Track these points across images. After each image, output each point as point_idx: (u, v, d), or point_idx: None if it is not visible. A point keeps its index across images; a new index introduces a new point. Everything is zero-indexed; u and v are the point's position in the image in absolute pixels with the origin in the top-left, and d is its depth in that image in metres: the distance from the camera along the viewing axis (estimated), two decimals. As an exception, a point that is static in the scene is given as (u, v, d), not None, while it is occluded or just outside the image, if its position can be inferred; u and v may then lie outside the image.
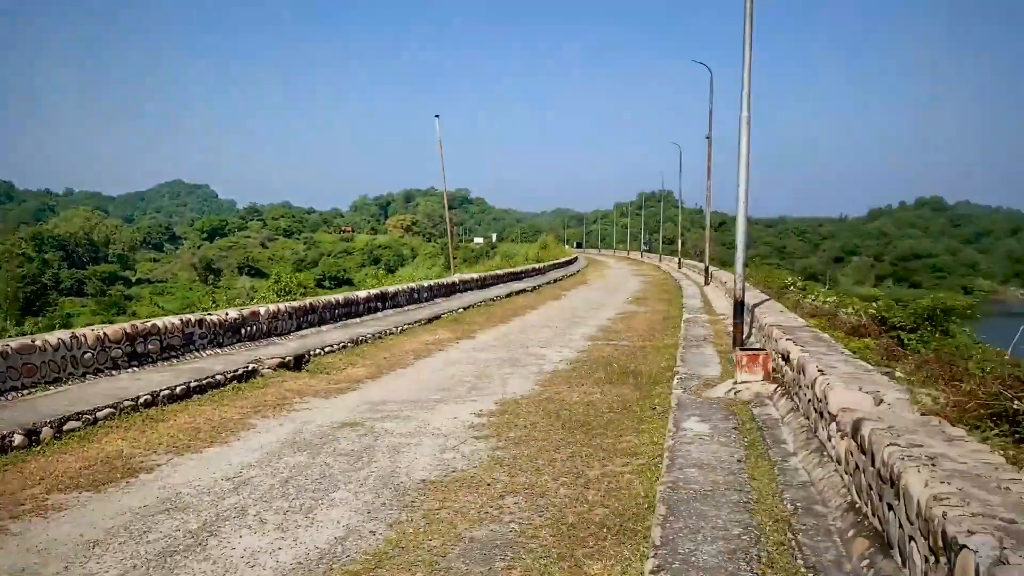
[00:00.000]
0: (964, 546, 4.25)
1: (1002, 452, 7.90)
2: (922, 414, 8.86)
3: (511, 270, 48.30)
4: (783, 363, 12.94)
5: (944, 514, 4.61)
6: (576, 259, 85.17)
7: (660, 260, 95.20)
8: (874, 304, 22.83)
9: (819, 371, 9.79)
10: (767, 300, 23.03)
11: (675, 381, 15.20)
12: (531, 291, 42.91)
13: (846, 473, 7.66)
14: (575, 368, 17.96)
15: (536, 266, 56.77)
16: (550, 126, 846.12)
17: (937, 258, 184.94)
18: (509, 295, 38.05)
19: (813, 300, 27.09)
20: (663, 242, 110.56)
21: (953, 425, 8.54)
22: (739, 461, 9.37)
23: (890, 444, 6.19)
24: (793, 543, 6.82)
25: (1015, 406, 8.77)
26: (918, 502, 5.09)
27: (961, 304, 19.86)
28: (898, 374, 13.02)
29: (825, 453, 8.75)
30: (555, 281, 52.46)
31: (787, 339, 13.24)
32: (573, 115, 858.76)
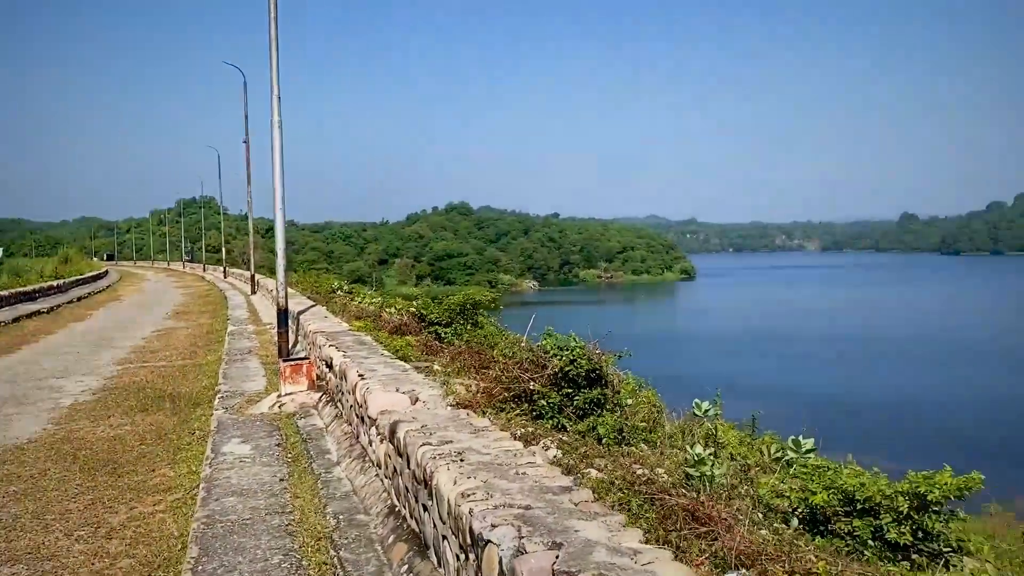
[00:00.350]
0: (489, 541, 4.22)
1: (523, 430, 8.61)
2: (458, 405, 9.28)
3: (20, 290, 41.28)
4: (327, 370, 12.71)
5: (471, 510, 4.58)
6: (107, 273, 76.33)
7: (205, 270, 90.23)
8: (414, 303, 24.05)
9: (360, 375, 9.68)
10: (313, 306, 22.87)
11: (216, 400, 14.06)
12: (48, 312, 37.15)
13: (387, 477, 7.57)
14: (101, 398, 15.63)
15: (55, 283, 49.39)
16: (72, 124, 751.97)
17: (467, 257, 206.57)
18: (16, 320, 32.34)
19: (360, 303, 27.67)
20: (208, 251, 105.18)
21: (483, 412, 9.08)
22: (282, 480, 8.80)
23: (423, 444, 6.16)
24: (336, 560, 6.45)
25: (531, 386, 9.70)
26: (448, 500, 5.05)
27: (487, 297, 21.85)
28: (436, 368, 13.68)
29: (367, 459, 8.63)
30: (80, 299, 46.26)
31: (331, 345, 13.04)
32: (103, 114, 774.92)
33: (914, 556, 7.72)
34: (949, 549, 7.86)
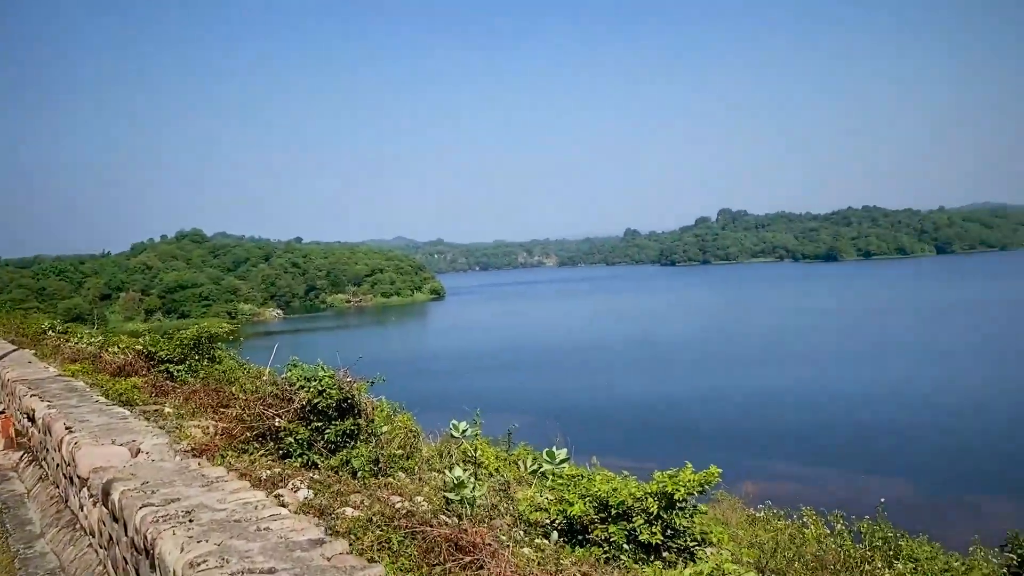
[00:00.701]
0: (226, 619, 3.55)
1: (269, 472, 7.82)
2: (192, 452, 8.24)
3: None
4: (30, 424, 10.88)
5: (203, 582, 3.86)
6: None
7: None
8: (140, 340, 21.71)
9: (67, 428, 8.29)
10: (15, 351, 19.86)
11: None
12: None
13: (102, 548, 6.44)
14: None
15: None
16: None
17: (202, 287, 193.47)
18: None
19: (76, 343, 24.62)
20: None
21: (223, 457, 8.14)
22: (-36, 566, 7.24)
23: (144, 505, 5.23)
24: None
25: (276, 423, 8.90)
26: (174, 572, 4.24)
27: (224, 329, 20.25)
28: (167, 410, 12.28)
29: (79, 527, 7.35)
30: None
31: (33, 394, 11.19)
32: None
33: (665, 554, 8.06)
34: (695, 542, 8.31)
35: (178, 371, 18.25)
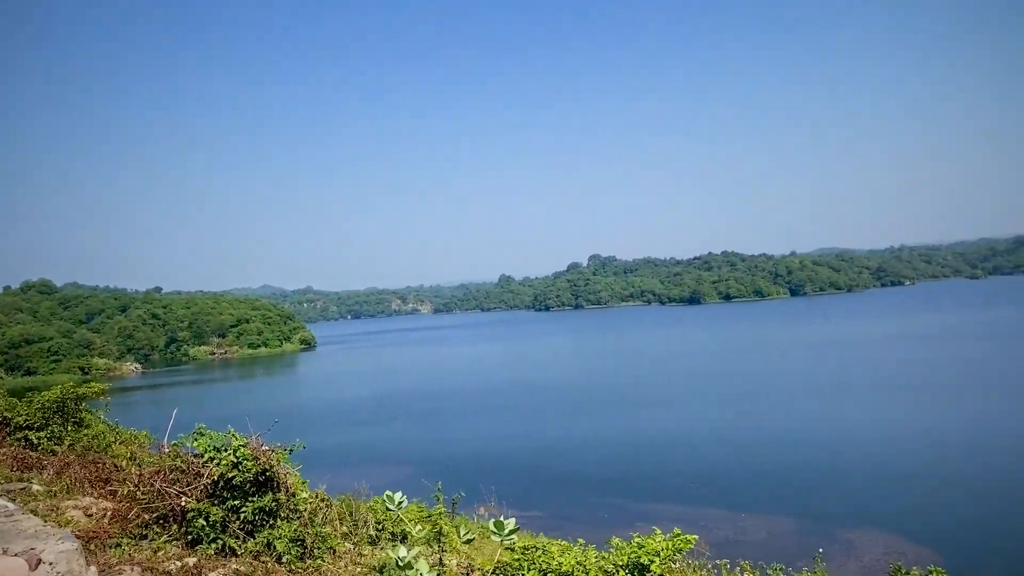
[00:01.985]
0: None
1: (179, 563, 6.72)
2: (77, 538, 7.00)
3: None
4: None
5: None
6: None
7: None
8: (-11, 403, 19.30)
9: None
10: None
11: None
12: None
13: None
14: None
15: None
16: None
17: (51, 341, 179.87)
18: None
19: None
20: None
21: (118, 545, 6.97)
22: None
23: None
24: None
25: (182, 502, 7.74)
26: None
27: (94, 389, 18.25)
28: (36, 487, 10.70)
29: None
30: None
31: None
32: None
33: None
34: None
35: (39, 438, 16.30)
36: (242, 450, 7.55)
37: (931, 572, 13.52)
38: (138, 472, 8.58)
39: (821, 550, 13.29)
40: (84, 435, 16.77)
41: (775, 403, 78.94)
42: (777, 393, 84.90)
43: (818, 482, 51.09)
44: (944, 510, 43.72)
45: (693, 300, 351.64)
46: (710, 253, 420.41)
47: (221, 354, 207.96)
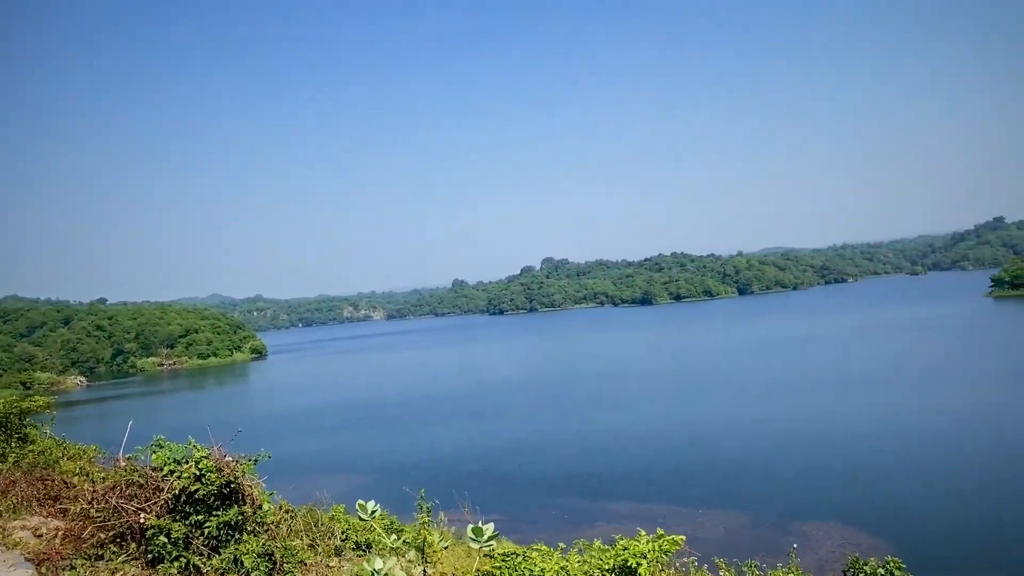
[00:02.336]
0: None
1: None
2: (27, 562, 6.58)
3: None
4: None
5: None
6: None
7: None
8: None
9: None
10: None
11: None
12: None
13: None
14: None
15: None
16: None
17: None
18: None
19: None
20: None
21: (72, 568, 6.55)
22: None
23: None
24: None
25: (140, 519, 7.32)
26: None
27: (39, 403, 17.49)
28: (-22, 508, 10.12)
29: None
30: None
31: None
32: None
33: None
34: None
35: (-20, 457, 15.50)
36: (205, 462, 7.17)
37: (888, 562, 13.66)
38: (91, 488, 8.09)
39: (796, 545, 13.32)
40: (29, 451, 16.02)
41: (725, 400, 79.99)
42: (727, 390, 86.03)
43: (770, 476, 51.83)
44: (894, 500, 44.67)
45: (645, 301, 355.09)
46: (660, 254, 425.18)
47: (170, 365, 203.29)
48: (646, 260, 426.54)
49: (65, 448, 17.84)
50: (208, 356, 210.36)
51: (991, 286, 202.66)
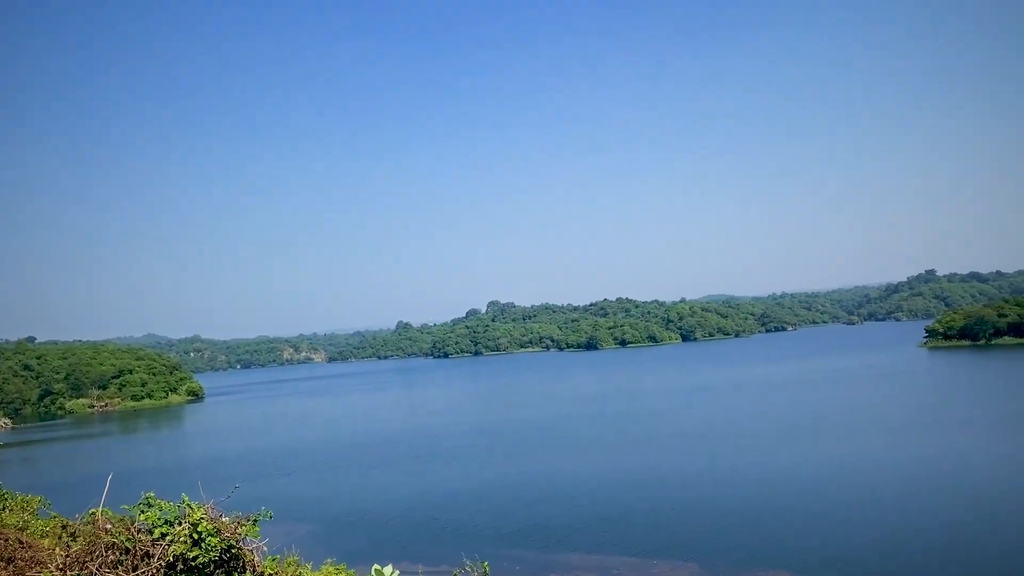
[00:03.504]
0: None
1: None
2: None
3: None
4: None
5: None
6: None
7: None
8: None
9: None
10: None
11: None
12: None
13: None
14: None
15: None
16: None
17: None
18: None
19: None
20: None
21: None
22: None
23: None
24: None
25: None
26: None
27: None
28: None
29: None
30: None
31: None
32: None
33: None
34: None
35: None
36: (204, 524, 6.32)
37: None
38: (63, 552, 7.12)
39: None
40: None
41: (673, 447, 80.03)
42: (675, 437, 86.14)
43: (720, 524, 51.64)
44: (847, 550, 44.82)
45: (591, 346, 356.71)
46: (606, 299, 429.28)
47: (101, 407, 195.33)
48: (591, 305, 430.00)
49: (4, 499, 16.34)
50: (142, 398, 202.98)
51: (925, 337, 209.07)
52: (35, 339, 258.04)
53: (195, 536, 6.25)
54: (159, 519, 6.65)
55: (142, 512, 6.89)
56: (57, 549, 7.37)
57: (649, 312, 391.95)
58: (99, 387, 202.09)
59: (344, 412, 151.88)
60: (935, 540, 45.53)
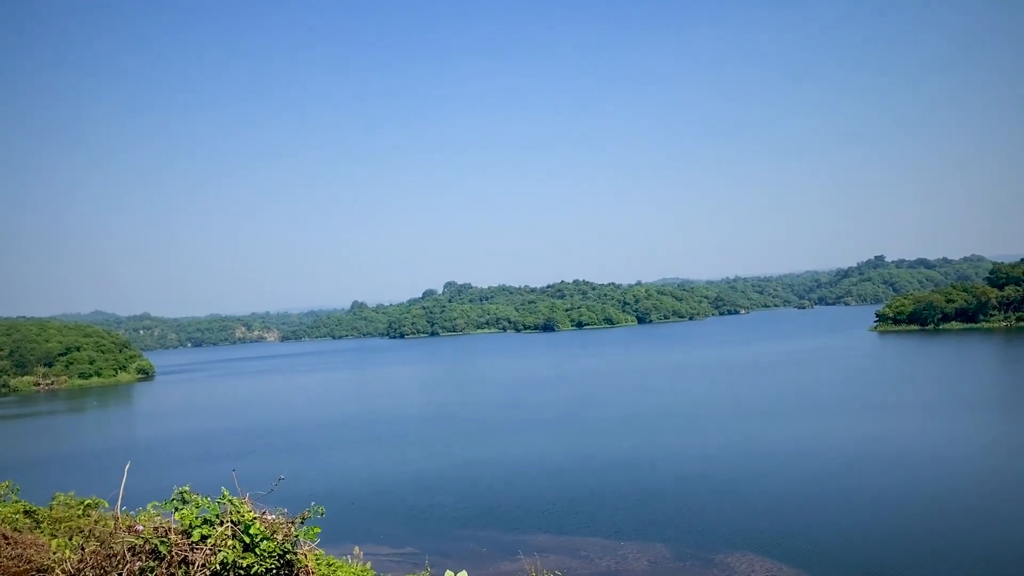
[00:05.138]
0: None
1: None
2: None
3: None
4: None
5: None
6: None
7: None
8: None
9: None
10: None
11: None
12: None
13: None
14: None
15: None
16: None
17: None
18: None
19: None
20: None
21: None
22: None
23: None
24: None
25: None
26: None
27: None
28: None
29: None
30: None
31: None
32: None
33: None
34: None
35: None
36: (258, 525, 5.35)
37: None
38: (76, 556, 6.06)
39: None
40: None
41: (638, 427, 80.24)
42: (637, 418, 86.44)
43: (686, 504, 51.92)
44: (812, 529, 45.28)
45: (548, 327, 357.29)
46: (563, 281, 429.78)
47: (47, 384, 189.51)
48: (548, 287, 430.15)
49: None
50: (90, 376, 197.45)
51: (876, 321, 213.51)
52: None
53: (246, 539, 5.26)
54: (197, 517, 5.65)
55: (176, 509, 5.87)
56: (67, 552, 6.29)
57: (605, 295, 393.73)
58: (45, 364, 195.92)
59: (300, 393, 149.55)
60: (894, 517, 46.25)
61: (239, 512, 5.51)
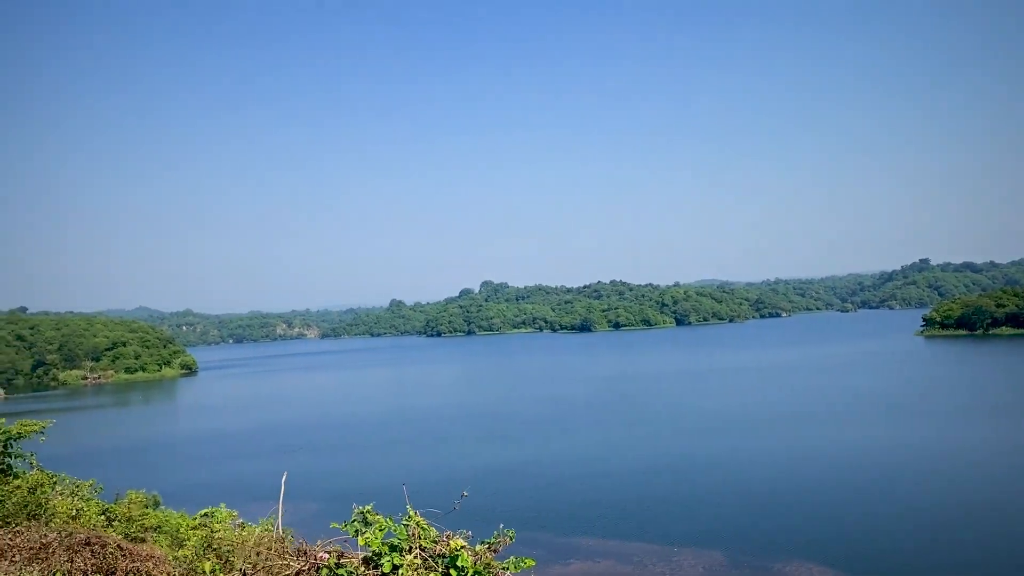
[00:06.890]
0: None
1: None
2: None
3: None
4: None
5: None
6: None
7: None
8: None
9: None
10: None
11: None
12: None
13: None
14: None
15: None
16: None
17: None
18: None
19: None
20: None
21: None
22: None
23: None
24: None
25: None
26: None
27: (36, 427, 14.26)
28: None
29: None
30: None
31: None
32: None
33: None
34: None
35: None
36: (465, 556, 4.59)
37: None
38: None
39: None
40: (17, 488, 12.80)
41: (688, 431, 78.79)
42: (687, 421, 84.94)
43: (741, 510, 50.56)
44: (872, 539, 43.79)
45: (584, 328, 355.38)
46: (599, 281, 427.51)
47: (95, 379, 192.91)
48: (585, 287, 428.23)
49: (56, 482, 14.56)
50: (136, 371, 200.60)
51: (923, 326, 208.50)
52: (27, 309, 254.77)
53: (457, 571, 4.52)
54: (380, 542, 4.91)
55: (357, 530, 5.14)
56: (206, 566, 5.61)
57: (643, 295, 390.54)
58: (92, 359, 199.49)
59: (343, 390, 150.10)
60: (958, 527, 44.60)
61: (428, 535, 4.77)
